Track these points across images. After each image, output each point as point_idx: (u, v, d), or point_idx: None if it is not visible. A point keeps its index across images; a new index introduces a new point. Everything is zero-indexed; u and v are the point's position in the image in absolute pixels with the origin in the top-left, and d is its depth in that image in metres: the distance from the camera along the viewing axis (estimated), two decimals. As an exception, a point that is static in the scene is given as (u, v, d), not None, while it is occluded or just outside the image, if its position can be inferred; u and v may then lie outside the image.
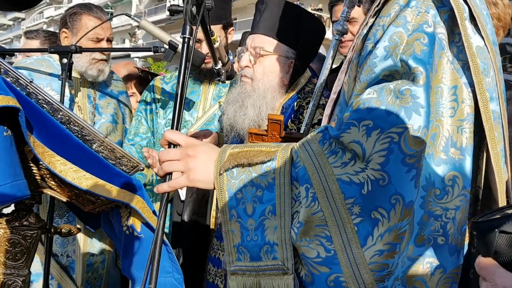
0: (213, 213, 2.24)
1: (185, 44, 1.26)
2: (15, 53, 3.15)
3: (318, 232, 1.03)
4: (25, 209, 1.49)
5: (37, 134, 1.29)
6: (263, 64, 1.90)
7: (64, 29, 2.49)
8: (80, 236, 2.44)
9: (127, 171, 1.42)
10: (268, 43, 1.89)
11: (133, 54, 31.35)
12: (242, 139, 1.95)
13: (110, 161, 1.40)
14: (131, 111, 2.87)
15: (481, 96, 1.05)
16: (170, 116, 2.50)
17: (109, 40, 2.54)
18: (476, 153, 1.09)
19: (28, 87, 1.29)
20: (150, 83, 2.64)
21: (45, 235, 1.75)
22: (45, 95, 1.31)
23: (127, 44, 44.65)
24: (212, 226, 2.23)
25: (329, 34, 2.38)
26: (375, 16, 1.18)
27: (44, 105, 1.31)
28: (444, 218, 1.05)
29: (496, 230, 0.81)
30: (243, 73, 1.93)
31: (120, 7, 46.38)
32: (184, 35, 1.28)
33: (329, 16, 2.99)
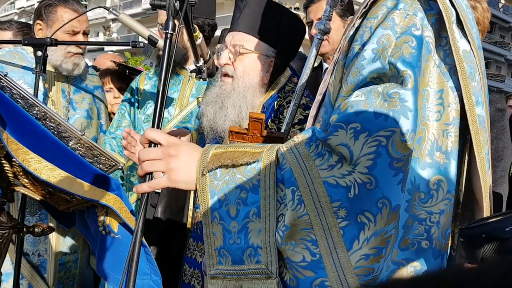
0: (189, 212, 2.20)
1: (168, 40, 1.23)
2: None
3: (303, 235, 1.01)
4: (-4, 208, 1.43)
5: (11, 130, 1.24)
6: (243, 62, 1.87)
7: (38, 21, 2.41)
8: (53, 235, 2.37)
9: (105, 169, 1.38)
10: (248, 41, 1.86)
11: (106, 48, 30.81)
12: (222, 141, 1.92)
13: (87, 159, 1.35)
14: (106, 107, 2.81)
15: (467, 100, 1.05)
16: (148, 112, 2.47)
17: (85, 33, 2.48)
18: (459, 157, 1.10)
19: (1, 80, 1.23)
20: (136, 78, 2.62)
21: (17, 234, 1.69)
22: (20, 89, 1.26)
23: (101, 38, 43.89)
24: (188, 226, 2.19)
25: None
26: (362, 18, 1.17)
27: (19, 100, 1.25)
28: (429, 222, 1.04)
29: (483, 236, 0.82)
30: (224, 71, 1.89)
31: (94, 0, 45.55)
32: (167, 31, 1.24)
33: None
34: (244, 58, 1.87)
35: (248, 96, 1.87)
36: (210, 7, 2.46)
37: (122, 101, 2.61)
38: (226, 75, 1.89)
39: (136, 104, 2.54)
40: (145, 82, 2.54)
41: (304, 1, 3.07)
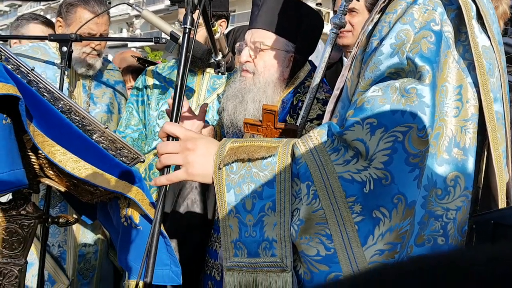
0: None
1: (186, 35, 1.25)
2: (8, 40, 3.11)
3: (318, 230, 1.02)
4: (22, 198, 1.48)
5: (37, 123, 1.28)
6: (263, 58, 1.89)
7: (59, 18, 2.44)
8: (72, 226, 2.40)
9: (127, 162, 1.41)
10: (267, 37, 1.88)
11: (130, 44, 31.16)
12: (242, 135, 1.94)
13: (110, 152, 1.39)
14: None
15: (485, 96, 1.04)
16: (163, 108, 2.46)
17: (102, 36, 2.48)
18: (477, 153, 1.09)
19: (29, 75, 1.27)
20: (142, 74, 2.59)
21: (41, 225, 1.74)
22: (46, 83, 1.30)
23: (125, 34, 44.37)
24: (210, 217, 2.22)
25: (327, 29, 2.38)
26: (380, 13, 1.17)
27: (45, 94, 1.29)
28: (445, 219, 1.04)
29: (492, 222, 0.83)
30: (244, 68, 1.91)
31: (118, -4, 46.03)
32: (185, 25, 1.26)
33: (328, 11, 2.99)
34: (264, 55, 1.89)
35: (268, 91, 1.89)
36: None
37: (129, 98, 2.58)
38: (246, 71, 1.92)
39: (145, 100, 2.50)
40: (154, 77, 2.53)
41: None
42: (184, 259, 2.11)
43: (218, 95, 2.45)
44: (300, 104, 1.95)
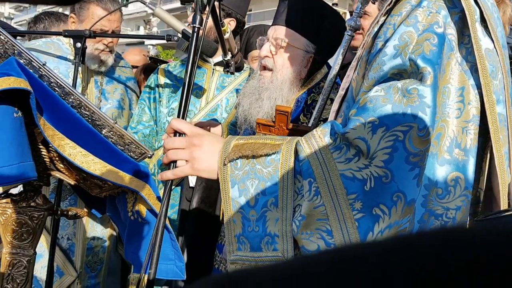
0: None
1: (195, 34, 1.28)
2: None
3: (319, 225, 1.04)
4: (33, 190, 1.51)
5: (47, 117, 1.31)
6: (283, 56, 1.91)
7: (72, 14, 2.49)
8: (82, 219, 2.43)
9: (135, 157, 1.44)
10: (289, 35, 1.89)
11: (147, 41, 31.39)
12: (254, 132, 1.96)
13: (119, 146, 1.42)
14: (138, 97, 2.87)
15: (487, 98, 1.05)
16: (173, 106, 2.50)
17: (114, 33, 2.52)
18: (479, 155, 1.10)
19: (40, 69, 1.30)
20: (154, 71, 2.64)
21: (52, 217, 1.77)
22: (57, 78, 1.33)
23: (141, 31, 44.65)
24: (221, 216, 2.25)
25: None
26: (386, 15, 1.18)
27: (56, 88, 1.32)
28: (445, 218, 1.05)
29: None
30: (264, 63, 1.93)
31: (135, -6, 46.15)
32: (194, 25, 1.29)
33: (344, 11, 3.00)
34: (284, 52, 1.91)
35: (284, 89, 1.90)
36: (244, 3, 2.48)
37: (141, 95, 2.64)
38: (265, 67, 1.93)
39: (157, 97, 2.55)
40: (165, 75, 2.58)
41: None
42: (196, 256, 2.14)
43: (236, 90, 2.48)
44: (314, 104, 1.97)
